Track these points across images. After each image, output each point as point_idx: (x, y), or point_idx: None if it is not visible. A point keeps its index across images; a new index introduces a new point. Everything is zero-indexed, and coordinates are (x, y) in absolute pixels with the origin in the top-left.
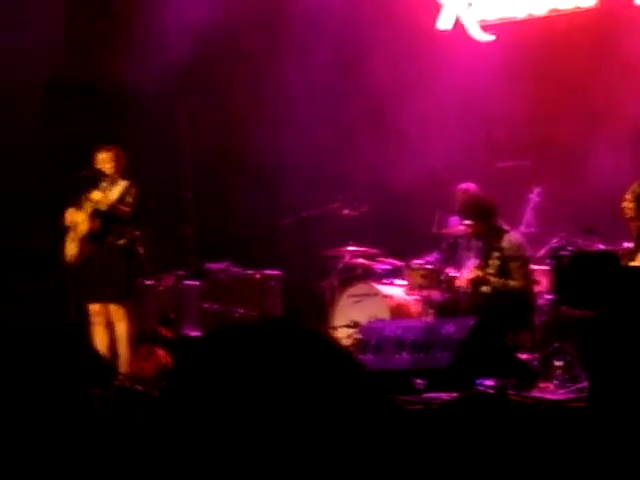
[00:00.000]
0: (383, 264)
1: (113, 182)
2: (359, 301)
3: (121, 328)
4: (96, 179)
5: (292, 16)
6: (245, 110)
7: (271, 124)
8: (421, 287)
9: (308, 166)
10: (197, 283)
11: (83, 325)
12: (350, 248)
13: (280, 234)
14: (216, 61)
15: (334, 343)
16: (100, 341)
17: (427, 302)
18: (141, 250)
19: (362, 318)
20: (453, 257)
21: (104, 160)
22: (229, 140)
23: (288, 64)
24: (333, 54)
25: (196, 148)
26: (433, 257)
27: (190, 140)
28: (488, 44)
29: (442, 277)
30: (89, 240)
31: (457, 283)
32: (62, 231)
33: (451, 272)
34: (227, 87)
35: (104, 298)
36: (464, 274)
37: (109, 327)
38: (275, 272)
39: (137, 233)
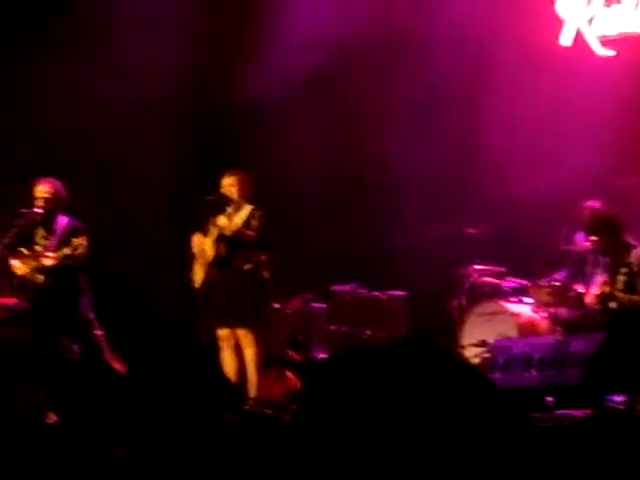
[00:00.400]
0: (510, 282)
1: (238, 207)
2: (487, 320)
3: (249, 352)
4: (221, 204)
5: (419, 32)
6: (368, 128)
7: (397, 141)
8: (548, 304)
9: (433, 184)
10: (324, 305)
11: (213, 349)
12: (477, 267)
13: (405, 253)
14: (339, 79)
15: (464, 362)
16: (229, 366)
17: (555, 319)
18: (267, 274)
19: (490, 336)
20: (580, 274)
21: (229, 184)
22: (353, 158)
23: (413, 81)
24: (457, 71)
25: (321, 167)
26: (560, 274)
27: (315, 160)
28: (610, 59)
29: (570, 294)
30: (215, 265)
31: (585, 300)
32: (190, 256)
33: (579, 289)
34: (350, 105)
35: (232, 323)
36: (592, 291)
37: (237, 351)
38: (401, 293)
39: (263, 257)
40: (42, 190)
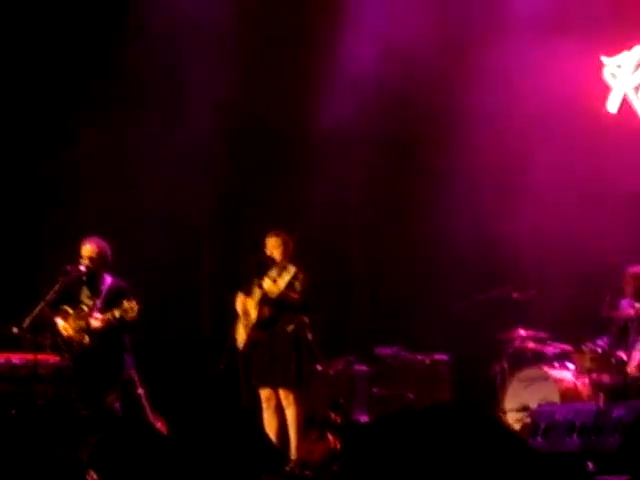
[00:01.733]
0: (553, 347)
1: (282, 268)
2: (529, 385)
3: (290, 413)
4: (265, 265)
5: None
6: (421, 190)
7: (446, 208)
8: (591, 371)
9: (479, 249)
10: (367, 368)
11: (255, 411)
12: (521, 332)
13: (450, 317)
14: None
15: (507, 428)
16: (270, 426)
17: (597, 386)
18: (310, 336)
19: (532, 402)
20: (623, 341)
21: (273, 246)
22: (399, 220)
23: (464, 150)
24: (504, 139)
25: (364, 231)
26: (603, 341)
27: (358, 224)
28: None
29: (612, 361)
30: (259, 327)
31: (627, 367)
32: (233, 315)
33: (621, 356)
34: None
35: (273, 383)
36: (634, 358)
37: (279, 412)
38: (444, 356)
39: (306, 319)
40: (88, 249)
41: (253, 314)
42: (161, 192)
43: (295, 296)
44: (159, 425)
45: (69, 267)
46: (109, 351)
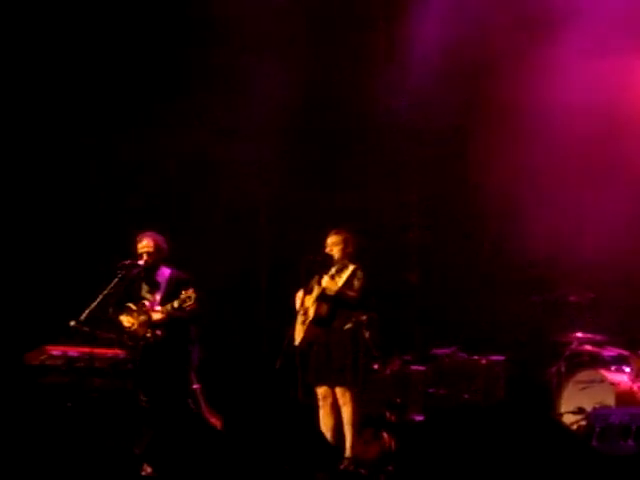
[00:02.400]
0: (610, 351)
1: (342, 266)
2: (585, 388)
3: (346, 412)
4: (325, 263)
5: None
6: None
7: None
8: None
9: (537, 250)
10: (423, 368)
11: (311, 408)
12: (577, 334)
13: (507, 318)
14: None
15: (564, 429)
16: (326, 424)
17: None
18: (367, 334)
19: (588, 405)
20: None
21: (333, 244)
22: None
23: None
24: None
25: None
26: None
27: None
28: None
29: None
30: (316, 324)
31: None
32: (291, 313)
33: None
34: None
35: (330, 381)
36: None
37: (335, 410)
38: (500, 358)
39: (364, 317)
40: (144, 245)
41: (311, 311)
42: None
43: (353, 294)
44: (213, 420)
45: (126, 262)
46: (175, 344)
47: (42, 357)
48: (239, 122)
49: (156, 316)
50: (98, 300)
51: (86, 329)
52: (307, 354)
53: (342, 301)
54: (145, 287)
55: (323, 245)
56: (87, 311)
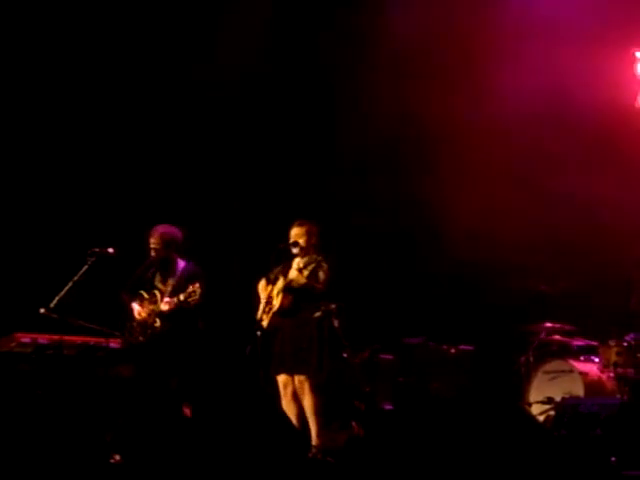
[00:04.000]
0: (579, 341)
1: (307, 258)
2: (555, 377)
3: (307, 402)
4: (290, 254)
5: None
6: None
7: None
8: (616, 365)
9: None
10: (392, 357)
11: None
12: (547, 324)
13: (476, 307)
14: None
15: (532, 418)
16: (290, 412)
17: (622, 380)
18: (336, 323)
19: (557, 394)
20: None
21: (297, 235)
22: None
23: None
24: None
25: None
26: (630, 336)
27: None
28: None
29: (638, 355)
30: (280, 315)
31: None
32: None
33: None
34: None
35: (291, 370)
36: None
37: (296, 398)
38: (469, 347)
39: (333, 306)
40: (152, 242)
41: (276, 302)
42: None
43: (319, 286)
44: (185, 410)
45: (96, 249)
46: (181, 335)
47: (12, 344)
48: None
49: (164, 307)
50: (68, 287)
51: (55, 316)
52: (271, 343)
53: (307, 292)
54: (159, 277)
55: (288, 236)
56: (57, 298)
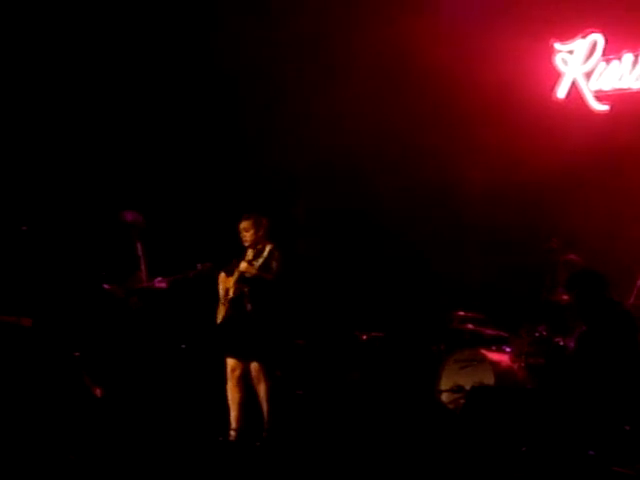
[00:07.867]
0: (491, 330)
1: (258, 249)
2: (465, 366)
3: (262, 388)
4: (243, 246)
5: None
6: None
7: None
8: (528, 355)
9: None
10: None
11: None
12: (460, 313)
13: (390, 294)
14: None
15: (442, 406)
16: (232, 397)
17: (533, 370)
18: (283, 312)
19: (468, 383)
20: (562, 326)
21: (244, 229)
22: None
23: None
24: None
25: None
26: (542, 326)
27: None
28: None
29: (550, 346)
30: (233, 304)
31: (564, 352)
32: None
33: (559, 341)
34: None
35: (245, 356)
36: (570, 343)
37: (241, 384)
38: (379, 334)
39: (281, 295)
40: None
41: (231, 292)
42: None
43: (270, 277)
44: (95, 389)
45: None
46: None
47: None
48: None
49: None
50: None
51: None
52: (224, 330)
53: (259, 283)
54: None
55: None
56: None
